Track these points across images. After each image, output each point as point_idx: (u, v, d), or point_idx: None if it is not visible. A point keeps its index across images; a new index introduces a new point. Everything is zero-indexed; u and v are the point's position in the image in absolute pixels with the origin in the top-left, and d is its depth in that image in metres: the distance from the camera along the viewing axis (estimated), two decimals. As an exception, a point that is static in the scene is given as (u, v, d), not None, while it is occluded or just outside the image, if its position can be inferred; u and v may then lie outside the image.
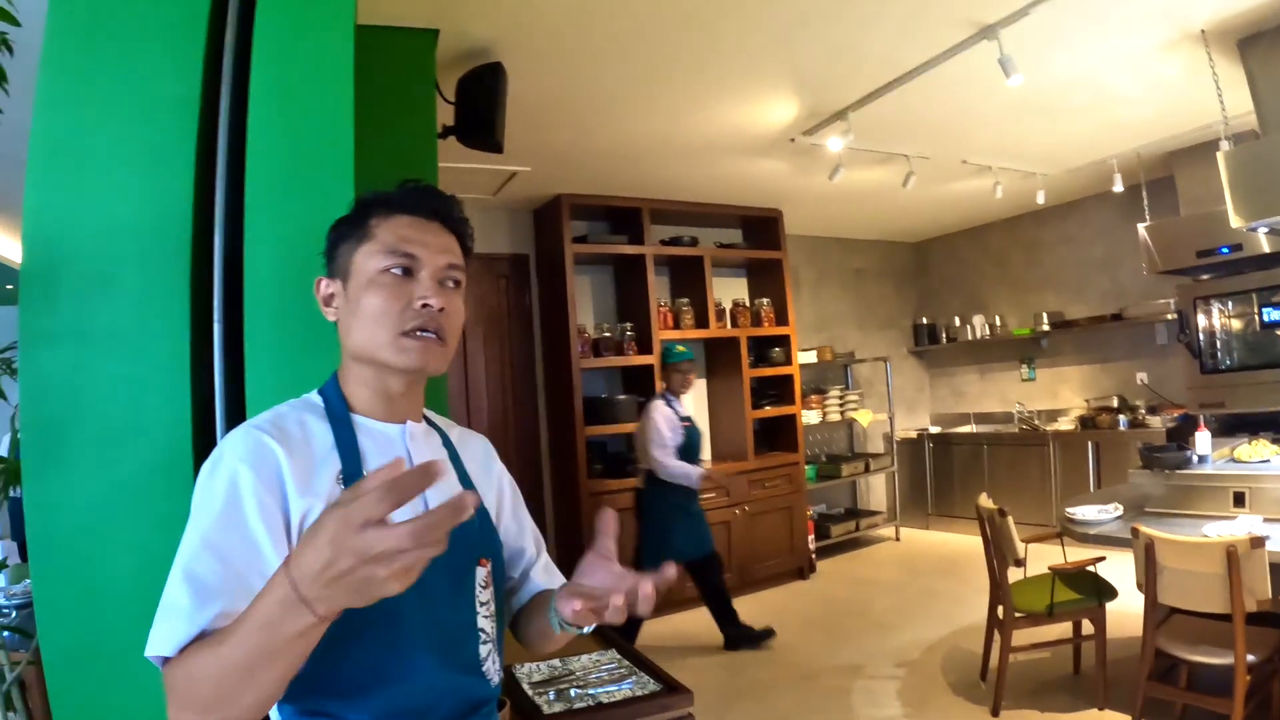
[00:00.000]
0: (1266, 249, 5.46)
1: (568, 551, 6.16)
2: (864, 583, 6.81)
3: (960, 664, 4.70)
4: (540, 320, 6.63)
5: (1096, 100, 5.05)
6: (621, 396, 6.39)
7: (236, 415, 1.72)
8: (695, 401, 7.30)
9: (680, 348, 5.29)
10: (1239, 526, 3.44)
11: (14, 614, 2.86)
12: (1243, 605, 3.06)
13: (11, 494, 2.07)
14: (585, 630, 1.25)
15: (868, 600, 6.26)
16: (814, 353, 7.97)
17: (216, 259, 1.75)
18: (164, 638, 1.01)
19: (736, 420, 7.06)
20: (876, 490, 8.82)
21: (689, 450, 5.18)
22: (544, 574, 1.50)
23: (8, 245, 6.41)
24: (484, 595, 1.31)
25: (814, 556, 7.26)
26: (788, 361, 7.29)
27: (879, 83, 4.48)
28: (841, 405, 8.13)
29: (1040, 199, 6.94)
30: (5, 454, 1.88)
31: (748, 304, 7.30)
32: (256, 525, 1.10)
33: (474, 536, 1.32)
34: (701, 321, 6.84)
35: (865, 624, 5.65)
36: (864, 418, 8.19)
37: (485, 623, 1.31)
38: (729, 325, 7.10)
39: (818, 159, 5.69)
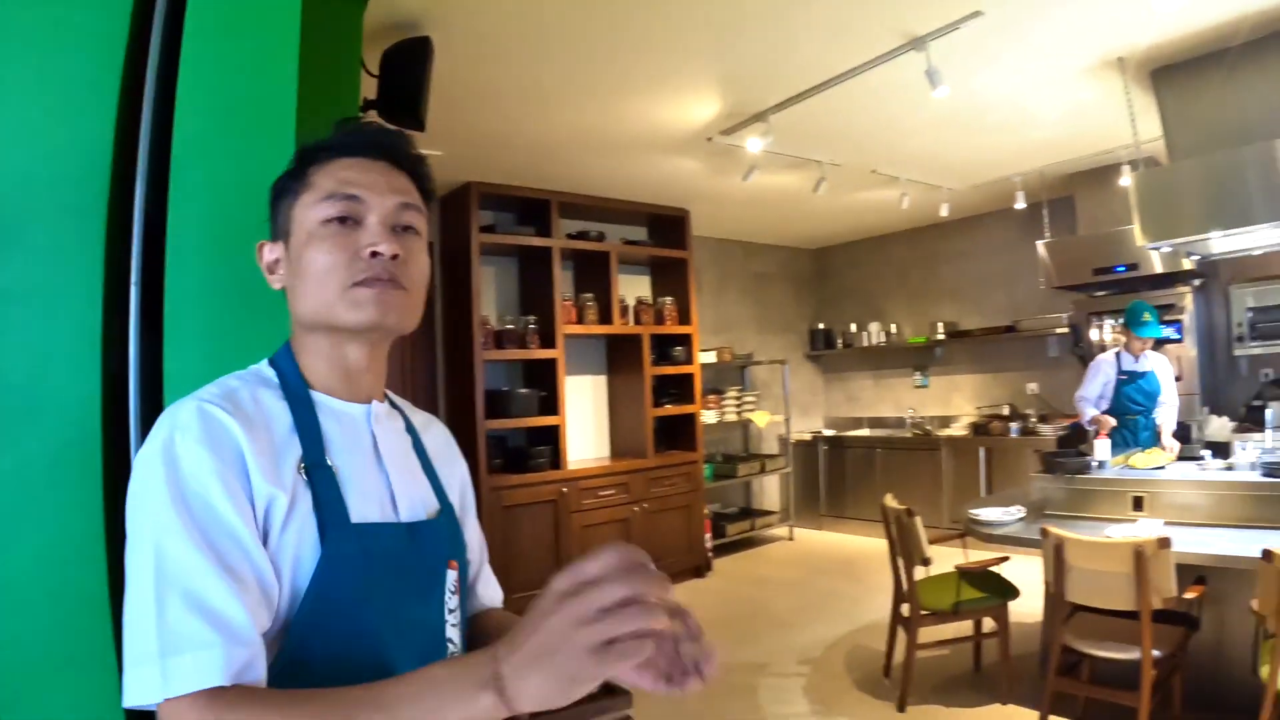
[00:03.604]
0: (1159, 269, 5.71)
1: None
2: (762, 581, 6.84)
3: (863, 661, 4.75)
4: (443, 310, 6.44)
5: (1012, 120, 5.19)
6: (523, 390, 6.25)
7: (151, 394, 1.55)
8: (594, 398, 7.24)
9: (1146, 316, 5.23)
10: (1140, 529, 3.58)
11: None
12: (1149, 603, 3.17)
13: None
14: None
15: (767, 599, 6.29)
16: (714, 353, 7.98)
17: (136, 216, 1.56)
18: (201, 667, 0.87)
19: (637, 418, 7.01)
20: (770, 490, 8.89)
21: (1123, 399, 5.36)
22: (484, 586, 1.36)
23: None
24: (452, 602, 1.18)
25: (711, 555, 7.27)
26: (689, 361, 7.29)
27: (805, 86, 4.49)
28: (739, 406, 8.17)
29: (944, 212, 7.11)
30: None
31: (651, 302, 7.26)
32: (233, 519, 0.94)
33: (444, 535, 1.19)
34: (605, 317, 6.77)
35: (766, 622, 5.67)
36: (761, 419, 8.25)
37: (453, 632, 1.18)
38: (632, 322, 7.04)
39: (732, 160, 5.69)
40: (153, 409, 1.54)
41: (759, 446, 8.88)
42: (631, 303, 7.14)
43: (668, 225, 7.37)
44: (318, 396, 1.12)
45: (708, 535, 7.23)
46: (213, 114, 1.60)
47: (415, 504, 1.16)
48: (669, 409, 7.14)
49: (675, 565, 6.87)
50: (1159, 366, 5.34)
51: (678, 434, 7.38)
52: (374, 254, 1.07)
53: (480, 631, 1.29)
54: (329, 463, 1.06)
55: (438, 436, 1.34)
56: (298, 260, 1.10)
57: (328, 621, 0.99)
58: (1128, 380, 5.33)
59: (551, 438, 6.37)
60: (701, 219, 7.56)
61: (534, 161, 5.71)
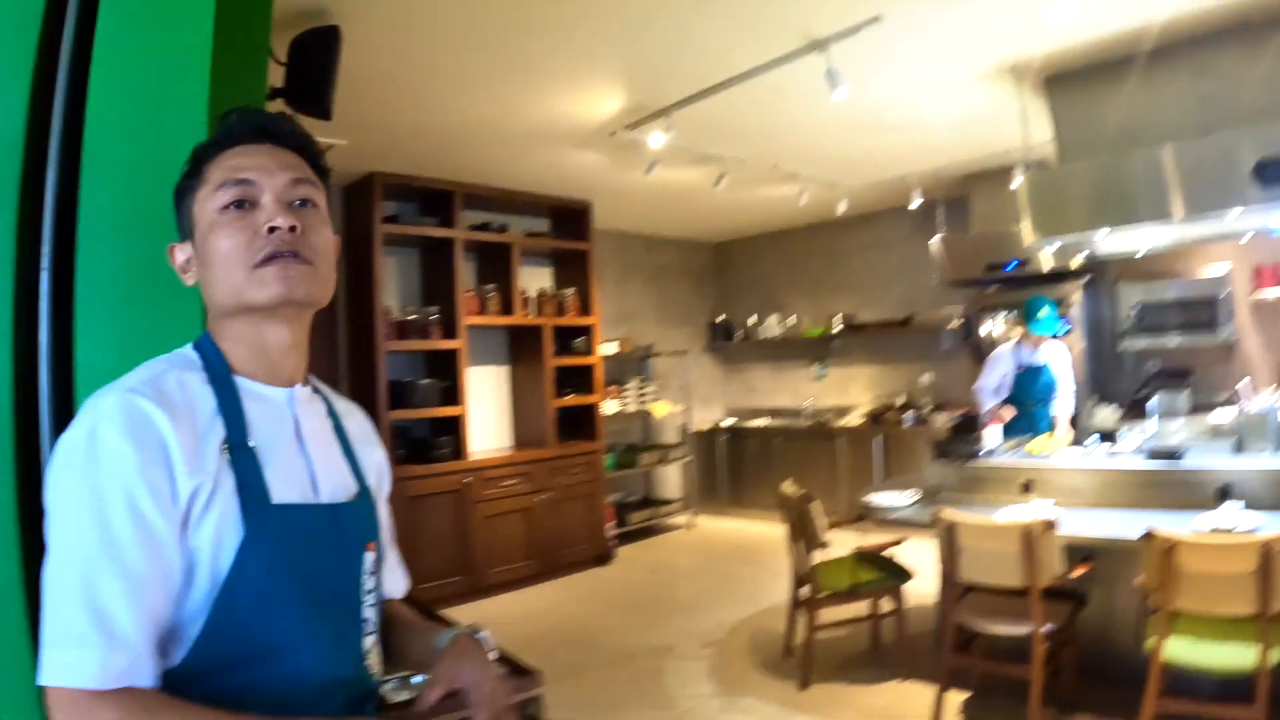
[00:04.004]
0: (1049, 266, 5.96)
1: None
2: (664, 568, 6.96)
3: (765, 643, 4.88)
4: (346, 300, 6.33)
5: (910, 121, 5.35)
6: (425, 380, 6.22)
7: (62, 384, 1.51)
8: (496, 388, 7.22)
9: (1042, 311, 5.28)
10: (1028, 511, 3.74)
11: None
12: (1038, 581, 3.34)
13: None
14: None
15: (670, 585, 6.41)
16: (615, 344, 8.06)
17: (48, 202, 1.52)
18: (78, 666, 0.91)
19: (538, 408, 7.03)
20: (672, 480, 9.00)
21: (1020, 391, 5.54)
22: (389, 573, 1.37)
23: None
24: (369, 583, 1.22)
25: (614, 544, 7.35)
26: (590, 352, 7.34)
27: (707, 83, 4.55)
28: (640, 397, 8.25)
29: (842, 208, 7.30)
30: None
31: (553, 293, 7.29)
32: (151, 515, 0.97)
33: (363, 517, 1.23)
34: (507, 308, 6.78)
35: (670, 608, 5.77)
36: (661, 409, 8.34)
37: (370, 612, 1.22)
38: (534, 314, 7.05)
39: (635, 154, 5.73)
40: (64, 399, 1.51)
41: (660, 436, 8.97)
42: (534, 294, 7.15)
43: (570, 217, 7.40)
44: (240, 381, 1.14)
45: (610, 524, 7.31)
46: (126, 101, 1.57)
47: (336, 486, 1.20)
48: (571, 399, 7.19)
49: (579, 554, 6.95)
50: (1056, 359, 5.55)
51: (579, 424, 7.41)
52: (272, 229, 1.10)
53: (383, 623, 1.31)
54: (250, 444, 1.09)
55: (359, 422, 1.37)
56: (204, 251, 1.12)
57: (250, 601, 1.02)
58: (1025, 372, 5.55)
59: (454, 428, 6.35)
60: (604, 212, 7.60)
61: (438, 152, 5.67)
